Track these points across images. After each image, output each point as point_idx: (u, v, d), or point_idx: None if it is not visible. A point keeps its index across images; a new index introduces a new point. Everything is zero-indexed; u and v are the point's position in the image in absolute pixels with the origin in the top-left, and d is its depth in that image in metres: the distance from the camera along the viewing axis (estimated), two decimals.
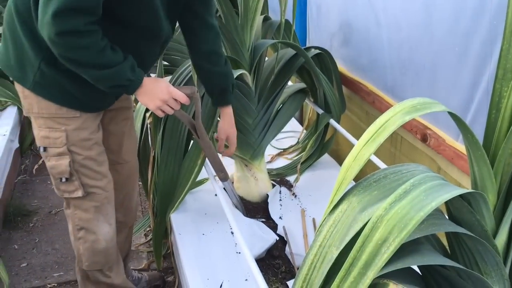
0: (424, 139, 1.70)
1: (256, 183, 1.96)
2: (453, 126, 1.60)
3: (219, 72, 1.57)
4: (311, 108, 2.44)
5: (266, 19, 2.08)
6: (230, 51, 1.79)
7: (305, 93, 2.17)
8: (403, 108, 0.71)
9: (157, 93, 1.35)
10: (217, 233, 1.76)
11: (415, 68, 1.74)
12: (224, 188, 1.83)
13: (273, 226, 1.83)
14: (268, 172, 2.05)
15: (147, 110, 1.90)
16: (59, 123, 1.39)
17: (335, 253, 0.70)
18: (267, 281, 1.53)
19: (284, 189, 2.03)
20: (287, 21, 2.02)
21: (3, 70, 1.40)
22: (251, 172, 1.96)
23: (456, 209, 0.78)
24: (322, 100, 2.08)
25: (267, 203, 1.93)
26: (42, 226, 2.43)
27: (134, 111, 1.78)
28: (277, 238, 1.75)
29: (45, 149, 1.42)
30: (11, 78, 1.42)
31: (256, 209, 1.96)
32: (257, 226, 1.78)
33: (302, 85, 2.17)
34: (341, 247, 0.69)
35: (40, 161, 3.04)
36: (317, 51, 2.08)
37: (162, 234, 1.87)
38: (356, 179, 0.77)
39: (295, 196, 2.00)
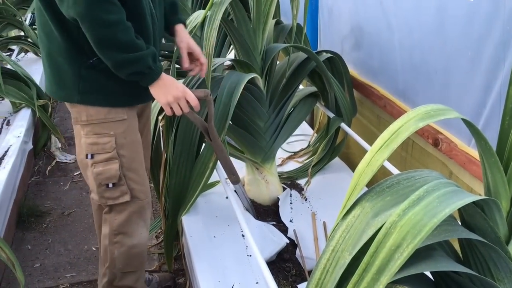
0: (435, 143, 1.69)
1: (267, 186, 1.97)
2: (465, 131, 1.59)
3: None
4: (321, 111, 2.44)
5: (278, 23, 2.09)
6: (242, 54, 1.80)
7: (316, 96, 2.17)
8: (416, 114, 0.71)
9: (172, 89, 1.39)
10: (228, 236, 1.77)
11: (427, 72, 1.74)
12: (235, 191, 1.84)
13: (283, 229, 1.83)
14: (278, 175, 2.06)
15: (159, 113, 1.91)
16: (107, 128, 1.44)
17: (348, 258, 0.70)
18: (278, 284, 1.53)
19: (294, 192, 2.03)
20: (298, 25, 2.03)
21: (52, 96, 1.50)
22: (262, 175, 1.97)
23: (469, 215, 0.78)
24: (333, 103, 2.08)
25: (278, 206, 1.93)
26: (55, 227, 2.46)
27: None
28: (288, 241, 1.75)
29: (92, 156, 1.45)
30: (60, 101, 1.49)
31: (266, 212, 1.96)
32: (267, 229, 1.78)
33: (313, 88, 2.17)
34: (354, 252, 0.69)
35: (53, 163, 3.08)
36: (329, 55, 2.08)
37: (173, 236, 1.88)
38: (367, 184, 0.78)
39: (306, 200, 2.01)
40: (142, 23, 1.39)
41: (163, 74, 1.39)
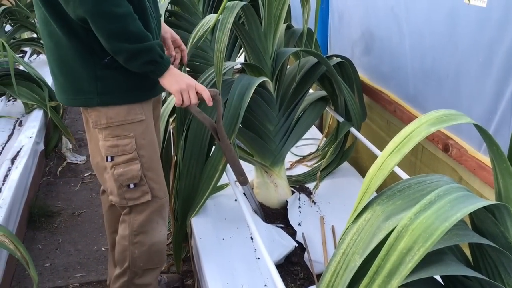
0: (446, 149, 1.69)
1: (276, 190, 1.98)
2: (475, 136, 1.59)
3: None
4: (331, 115, 2.45)
5: (289, 27, 2.10)
6: (253, 58, 1.82)
7: (326, 101, 2.18)
8: (428, 119, 0.71)
9: (184, 77, 1.43)
10: (237, 238, 1.77)
11: (438, 77, 1.74)
12: (243, 193, 1.85)
13: (292, 232, 1.84)
14: (287, 178, 2.07)
15: (170, 115, 1.93)
16: (127, 130, 1.46)
17: (358, 261, 0.71)
18: (286, 287, 1.54)
19: (303, 196, 2.04)
20: (309, 29, 2.04)
21: (68, 105, 1.51)
22: (271, 178, 1.97)
23: (480, 220, 0.78)
24: (342, 108, 2.09)
25: (286, 209, 1.94)
26: (65, 227, 2.49)
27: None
28: (296, 245, 1.76)
29: (112, 158, 1.47)
30: (79, 107, 1.51)
31: (275, 215, 1.97)
32: (276, 232, 1.79)
33: (323, 93, 2.18)
34: (365, 255, 0.70)
35: (64, 163, 3.12)
36: (339, 59, 2.09)
37: (182, 237, 1.90)
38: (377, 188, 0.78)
39: (314, 203, 2.01)
40: (146, 18, 1.42)
41: (171, 66, 1.43)
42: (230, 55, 2.68)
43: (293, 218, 1.90)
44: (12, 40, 4.20)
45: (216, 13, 1.71)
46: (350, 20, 2.39)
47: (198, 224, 1.84)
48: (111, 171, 1.49)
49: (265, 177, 1.98)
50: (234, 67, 2.32)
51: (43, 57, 4.44)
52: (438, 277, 0.84)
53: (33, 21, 4.25)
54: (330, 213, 1.94)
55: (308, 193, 2.07)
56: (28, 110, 3.22)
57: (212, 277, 1.58)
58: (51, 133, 3.25)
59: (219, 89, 1.69)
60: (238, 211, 1.81)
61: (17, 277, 2.13)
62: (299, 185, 2.13)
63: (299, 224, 1.87)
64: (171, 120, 1.96)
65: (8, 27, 4.34)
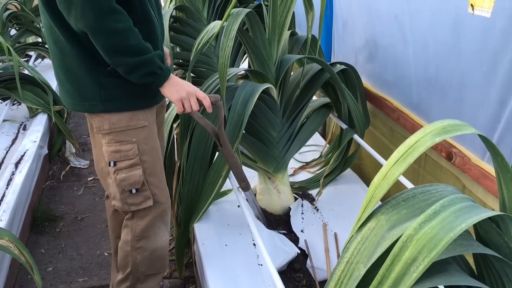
0: (449, 157, 1.69)
1: (279, 196, 1.98)
2: (478, 145, 1.59)
3: None
4: (334, 122, 2.45)
5: (293, 34, 2.11)
6: (257, 65, 1.82)
7: (329, 107, 2.19)
8: (433, 129, 0.72)
9: (184, 85, 1.45)
10: (239, 244, 1.78)
11: (441, 85, 1.75)
12: (246, 199, 1.85)
13: (294, 239, 1.84)
14: (290, 185, 2.07)
15: (174, 120, 1.94)
16: (130, 135, 1.47)
17: (362, 270, 0.71)
18: None
19: (306, 203, 2.04)
20: (313, 36, 2.05)
21: (73, 110, 1.53)
22: (274, 184, 1.98)
23: (484, 230, 0.78)
24: (346, 115, 2.09)
25: (289, 216, 1.94)
26: (68, 231, 2.49)
27: None
28: (299, 252, 1.76)
29: (114, 163, 1.48)
30: (83, 112, 1.51)
31: (278, 222, 1.97)
32: (278, 238, 1.79)
33: (326, 99, 2.19)
34: (369, 265, 0.70)
35: (68, 168, 3.13)
36: (343, 66, 2.10)
37: (185, 243, 1.90)
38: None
39: (317, 210, 2.01)
40: (151, 27, 1.44)
41: (172, 75, 1.45)
42: (234, 61, 2.69)
43: (296, 224, 1.90)
44: (17, 44, 4.23)
45: (221, 19, 1.72)
46: (354, 28, 2.40)
47: (201, 230, 1.84)
48: (113, 176, 1.50)
49: (268, 183, 1.98)
50: (238, 73, 2.33)
51: (47, 61, 4.46)
52: (441, 287, 0.84)
53: (38, 26, 4.28)
54: (333, 220, 1.94)
55: (311, 200, 2.07)
56: (33, 114, 3.24)
57: (215, 283, 1.58)
58: (55, 137, 3.27)
59: (223, 95, 1.70)
60: (241, 217, 1.81)
61: (19, 281, 2.13)
62: (302, 191, 2.13)
63: (301, 231, 1.87)
64: (175, 125, 1.97)
65: (13, 31, 4.37)
